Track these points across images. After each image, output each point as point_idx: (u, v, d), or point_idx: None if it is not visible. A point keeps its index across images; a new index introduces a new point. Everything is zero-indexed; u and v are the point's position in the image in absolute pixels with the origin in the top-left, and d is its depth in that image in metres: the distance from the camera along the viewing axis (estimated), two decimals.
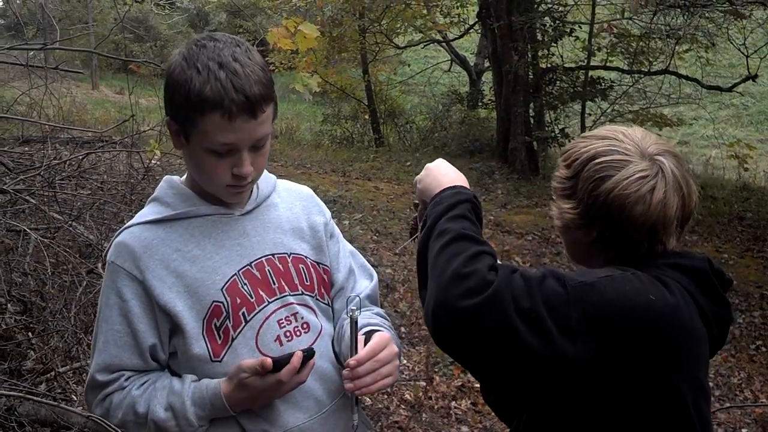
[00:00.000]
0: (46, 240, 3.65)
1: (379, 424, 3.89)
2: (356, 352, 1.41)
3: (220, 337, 1.42)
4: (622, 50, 11.66)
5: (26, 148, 5.17)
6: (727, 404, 4.62)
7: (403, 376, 4.46)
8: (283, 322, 1.47)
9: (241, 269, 1.45)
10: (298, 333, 1.49)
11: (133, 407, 1.40)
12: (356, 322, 1.43)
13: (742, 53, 10.49)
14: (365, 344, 1.44)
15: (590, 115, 12.03)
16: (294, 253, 1.54)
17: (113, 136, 6.38)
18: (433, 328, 1.22)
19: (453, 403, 4.22)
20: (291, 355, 1.36)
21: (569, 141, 7.09)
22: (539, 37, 11.67)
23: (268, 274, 1.48)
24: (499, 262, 1.25)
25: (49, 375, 3.20)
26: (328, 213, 1.67)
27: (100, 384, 1.43)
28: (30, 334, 3.47)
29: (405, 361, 4.63)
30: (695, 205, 1.31)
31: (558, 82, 12.03)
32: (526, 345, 1.14)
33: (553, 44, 11.63)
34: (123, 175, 5.62)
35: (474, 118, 14.49)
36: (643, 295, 1.19)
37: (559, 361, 1.15)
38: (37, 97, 5.68)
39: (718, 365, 5.25)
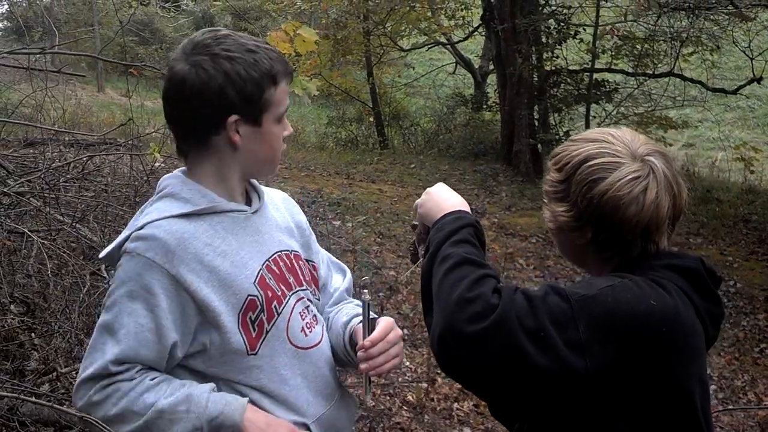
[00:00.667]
0: (47, 242, 3.66)
1: (381, 425, 3.89)
2: (369, 335, 1.50)
3: (254, 330, 1.45)
4: (627, 53, 11.65)
5: (30, 150, 5.19)
6: (730, 406, 4.61)
7: (406, 377, 4.47)
8: (303, 314, 1.55)
9: (263, 264, 1.50)
10: (313, 325, 1.58)
11: (142, 396, 1.37)
12: (369, 305, 1.52)
13: (747, 56, 10.47)
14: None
15: (595, 117, 12.02)
16: (294, 251, 1.61)
17: (117, 139, 6.40)
18: (440, 355, 1.22)
19: (455, 405, 4.23)
20: None
21: None
22: (543, 39, 11.67)
23: (282, 269, 1.54)
24: (501, 284, 1.26)
25: (51, 375, 3.22)
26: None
27: (109, 374, 1.38)
28: (33, 334, 3.48)
29: (407, 363, 4.63)
30: (685, 203, 1.32)
31: (562, 84, 12.02)
32: (536, 364, 1.15)
33: (557, 47, 11.62)
34: (127, 178, 5.63)
35: (478, 120, 14.49)
36: (644, 301, 1.20)
37: (571, 376, 1.16)
38: (41, 99, 5.71)
39: (722, 368, 5.25)
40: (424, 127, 15.45)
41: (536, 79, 11.77)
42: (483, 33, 14.29)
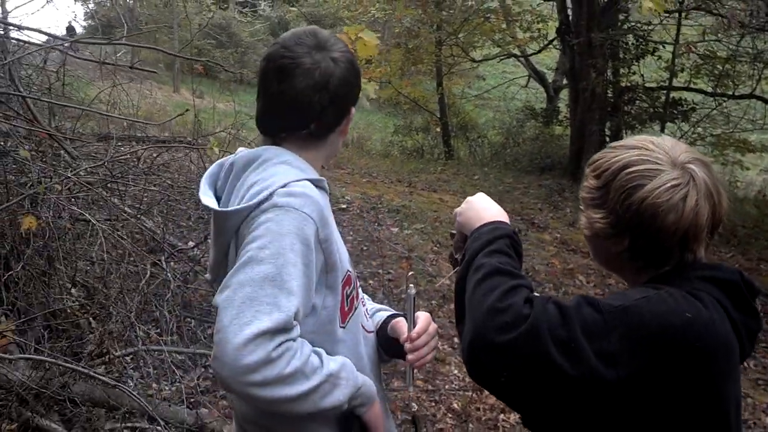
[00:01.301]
0: (110, 230, 3.80)
1: (425, 431, 3.87)
2: (414, 327, 1.56)
3: (347, 305, 1.50)
4: (707, 72, 11.27)
5: (102, 144, 5.42)
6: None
7: (453, 385, 4.43)
8: (362, 300, 1.65)
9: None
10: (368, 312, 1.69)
11: (309, 357, 1.33)
12: (414, 299, 1.56)
13: None
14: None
15: (670, 136, 11.65)
16: None
17: (187, 138, 6.61)
18: (469, 364, 1.22)
19: (501, 416, 4.15)
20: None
21: None
22: (621, 55, 11.41)
23: None
24: (535, 294, 1.25)
25: (104, 358, 3.33)
26: None
27: (289, 328, 1.28)
28: (91, 318, 3.62)
29: (455, 371, 4.59)
30: (725, 212, 1.29)
31: (637, 101, 11.73)
32: (565, 375, 1.14)
33: (634, 63, 11.35)
34: (194, 174, 5.80)
35: (548, 134, 14.30)
36: (679, 314, 1.18)
37: (602, 387, 1.14)
38: (115, 96, 5.96)
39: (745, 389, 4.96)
40: (492, 140, 15.35)
41: (610, 94, 11.53)
42: (558, 46, 14.10)
